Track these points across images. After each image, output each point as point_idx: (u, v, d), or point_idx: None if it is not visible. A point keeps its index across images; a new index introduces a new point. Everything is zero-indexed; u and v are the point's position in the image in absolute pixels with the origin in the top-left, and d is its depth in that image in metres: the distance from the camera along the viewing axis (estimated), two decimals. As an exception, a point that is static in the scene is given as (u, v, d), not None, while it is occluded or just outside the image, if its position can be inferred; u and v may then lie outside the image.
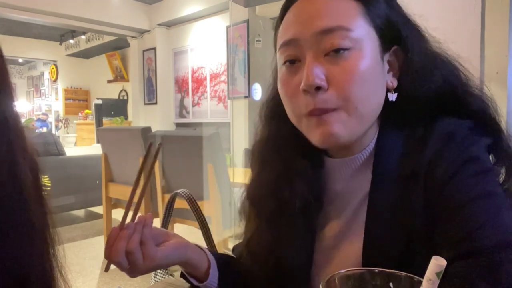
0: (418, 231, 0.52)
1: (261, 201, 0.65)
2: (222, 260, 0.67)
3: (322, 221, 0.62)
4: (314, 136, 0.55)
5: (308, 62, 0.52)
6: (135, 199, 0.60)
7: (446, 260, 0.44)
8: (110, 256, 0.54)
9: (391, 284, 0.34)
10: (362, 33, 0.52)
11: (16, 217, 0.32)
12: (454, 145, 0.52)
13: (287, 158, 0.62)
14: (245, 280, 0.67)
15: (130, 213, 0.59)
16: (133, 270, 0.56)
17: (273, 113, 0.65)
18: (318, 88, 0.51)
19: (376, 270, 0.34)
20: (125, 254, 0.53)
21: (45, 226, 0.37)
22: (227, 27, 5.25)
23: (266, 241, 0.63)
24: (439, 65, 0.57)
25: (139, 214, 0.58)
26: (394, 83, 0.57)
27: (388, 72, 0.57)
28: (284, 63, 0.56)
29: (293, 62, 0.55)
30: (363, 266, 0.56)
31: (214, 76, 6.01)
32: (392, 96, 0.56)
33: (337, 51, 0.51)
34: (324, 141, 0.54)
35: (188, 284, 0.73)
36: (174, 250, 0.58)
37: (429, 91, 0.55)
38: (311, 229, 0.62)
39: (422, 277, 0.49)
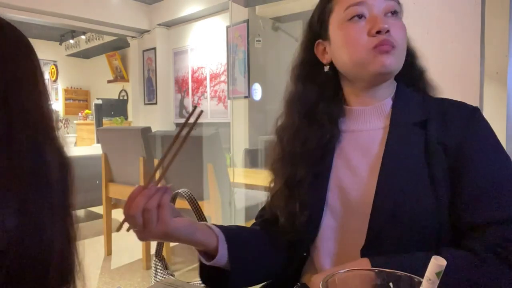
0: (438, 178, 0.64)
1: (284, 130, 0.80)
2: (231, 233, 0.72)
3: (340, 154, 0.76)
4: (377, 63, 0.69)
5: (379, 16, 0.70)
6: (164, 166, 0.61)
7: (484, 222, 0.60)
8: (128, 210, 0.57)
9: (391, 284, 0.34)
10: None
11: (42, 199, 0.33)
12: (477, 122, 0.68)
13: (311, 103, 0.78)
14: (266, 231, 0.80)
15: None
16: (144, 231, 0.58)
17: (302, 75, 0.81)
18: (388, 32, 0.68)
19: (376, 270, 0.34)
20: (142, 211, 0.57)
21: (67, 212, 0.38)
22: (227, 27, 5.26)
23: (283, 158, 0.78)
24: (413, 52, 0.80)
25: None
26: None
27: None
28: (352, 18, 0.71)
29: (360, 17, 0.71)
30: (375, 198, 0.66)
31: (214, 76, 6.01)
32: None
33: (395, 12, 0.71)
34: (383, 66, 0.68)
35: (188, 285, 0.73)
36: (184, 227, 0.63)
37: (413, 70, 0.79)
38: (326, 159, 0.76)
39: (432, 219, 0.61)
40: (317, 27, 0.79)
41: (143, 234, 0.59)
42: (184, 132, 0.61)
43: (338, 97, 0.79)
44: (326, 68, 0.78)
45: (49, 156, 0.34)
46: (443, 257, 0.31)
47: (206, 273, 0.70)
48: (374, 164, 0.70)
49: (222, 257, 0.68)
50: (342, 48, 0.73)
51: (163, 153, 0.61)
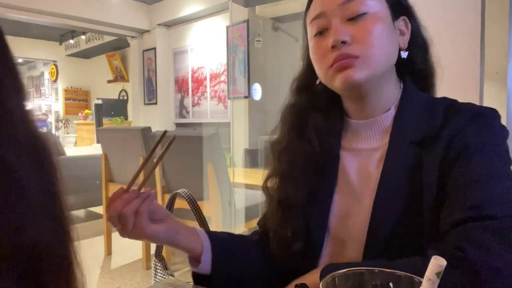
0: (429, 197, 0.58)
1: (276, 145, 0.76)
2: (219, 242, 0.70)
3: (342, 177, 0.70)
4: (337, 81, 0.64)
5: (334, 26, 0.64)
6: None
7: (452, 222, 0.52)
8: (107, 211, 0.59)
9: (391, 284, 0.34)
10: (376, 1, 0.64)
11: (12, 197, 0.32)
12: (479, 126, 0.60)
13: (303, 114, 0.74)
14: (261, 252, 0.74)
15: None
16: (122, 231, 0.60)
17: (299, 86, 0.77)
18: (344, 43, 0.62)
19: (376, 270, 0.34)
20: (118, 215, 0.58)
21: (56, 207, 0.37)
22: (227, 27, 5.25)
23: (278, 184, 0.74)
24: (428, 47, 0.72)
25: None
26: (405, 44, 0.68)
27: (400, 36, 0.68)
28: (315, 34, 0.67)
29: (322, 32, 0.66)
30: (370, 224, 0.62)
31: (214, 76, 6.01)
32: (404, 54, 0.68)
33: (358, 15, 0.63)
34: (345, 83, 0.63)
35: (188, 285, 0.73)
36: (164, 233, 0.63)
37: (425, 67, 0.71)
38: (326, 181, 0.70)
39: (426, 245, 0.52)
40: (304, 39, 0.74)
41: (122, 234, 0.61)
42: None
43: (338, 109, 0.73)
44: (318, 80, 0.72)
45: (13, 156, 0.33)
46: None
47: (195, 274, 0.70)
48: (373, 187, 0.64)
49: (205, 266, 0.67)
50: (314, 64, 0.70)
51: (145, 157, 0.63)
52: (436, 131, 0.61)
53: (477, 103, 0.66)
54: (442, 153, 0.59)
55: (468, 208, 0.52)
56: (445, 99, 0.68)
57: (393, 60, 0.67)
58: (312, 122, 0.72)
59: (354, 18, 0.63)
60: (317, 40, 0.67)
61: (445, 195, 0.57)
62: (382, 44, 0.63)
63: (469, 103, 0.65)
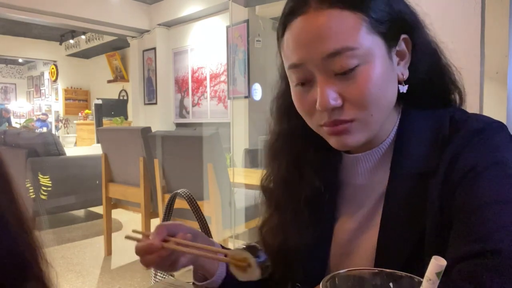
0: (431, 230, 0.52)
1: (272, 189, 0.69)
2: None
3: (341, 215, 0.64)
4: (332, 143, 0.58)
5: (320, 85, 0.53)
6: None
7: (456, 257, 0.46)
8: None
9: (391, 284, 0.34)
10: (368, 46, 0.52)
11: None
12: (481, 145, 0.52)
13: (298, 149, 0.65)
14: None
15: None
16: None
17: (283, 108, 0.66)
18: (333, 108, 0.53)
19: (376, 270, 0.34)
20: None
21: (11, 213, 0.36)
22: (227, 27, 5.26)
23: (273, 228, 0.66)
24: (435, 50, 0.61)
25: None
26: (405, 73, 0.58)
27: (399, 63, 0.58)
28: (296, 85, 0.57)
29: (304, 84, 0.56)
30: (375, 263, 0.57)
31: (214, 76, 6.01)
32: (403, 88, 0.58)
33: (347, 71, 0.52)
34: (341, 148, 0.57)
35: (188, 285, 0.73)
36: (190, 262, 0.63)
37: (434, 73, 0.60)
38: (326, 222, 0.64)
39: None
40: (279, 56, 0.63)
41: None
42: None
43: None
44: None
45: None
46: None
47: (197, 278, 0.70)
48: (375, 224, 0.59)
49: (218, 278, 0.67)
50: (299, 112, 0.60)
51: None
52: (440, 156, 0.54)
53: (477, 103, 0.64)
54: (444, 177, 0.53)
55: (472, 241, 0.46)
56: (449, 112, 0.59)
57: (394, 100, 0.58)
58: (311, 161, 0.64)
59: (343, 73, 0.52)
60: (299, 91, 0.57)
61: (448, 222, 0.51)
62: (381, 95, 0.54)
63: (472, 115, 0.58)
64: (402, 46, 0.57)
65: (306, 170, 0.64)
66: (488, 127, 0.54)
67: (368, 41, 0.52)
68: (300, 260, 0.64)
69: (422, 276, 0.52)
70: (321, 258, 0.64)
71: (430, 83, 0.59)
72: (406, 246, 0.54)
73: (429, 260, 0.51)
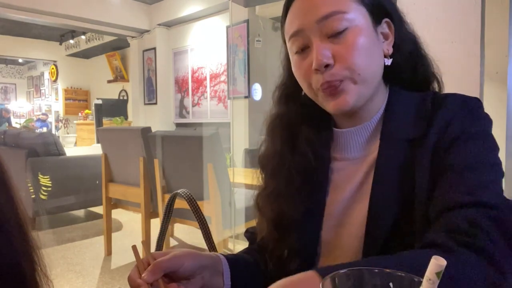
0: (421, 191, 0.57)
1: (267, 160, 0.74)
2: (234, 262, 0.68)
3: (334, 188, 0.68)
4: (329, 106, 0.63)
5: (315, 46, 0.61)
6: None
7: (448, 205, 0.52)
8: None
9: (391, 284, 0.34)
10: (355, 13, 0.61)
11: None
12: (468, 114, 0.60)
13: (293, 126, 0.71)
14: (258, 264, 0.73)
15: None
16: None
17: (284, 95, 0.74)
18: (327, 66, 0.60)
19: (376, 270, 0.34)
20: None
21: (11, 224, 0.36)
22: (227, 27, 5.26)
23: (268, 195, 0.71)
24: (415, 38, 0.69)
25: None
26: (389, 50, 0.66)
27: (384, 42, 0.65)
28: (296, 52, 0.65)
29: (303, 50, 0.63)
30: (366, 228, 0.61)
31: (214, 76, 6.01)
32: (388, 61, 0.65)
33: (338, 32, 0.60)
34: (338, 109, 0.62)
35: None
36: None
37: (417, 58, 0.68)
38: (319, 195, 0.68)
39: (419, 243, 0.51)
40: (283, 46, 0.71)
41: None
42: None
43: (326, 119, 0.71)
44: (303, 92, 0.69)
45: None
46: None
47: None
48: (366, 194, 0.63)
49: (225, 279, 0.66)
50: (299, 81, 0.67)
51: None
52: (426, 125, 0.60)
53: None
54: (433, 146, 0.58)
55: (465, 193, 0.52)
56: (430, 93, 0.66)
57: (380, 70, 0.65)
58: (304, 135, 0.70)
59: (334, 35, 0.60)
60: (298, 58, 0.64)
61: (436, 182, 0.56)
62: (367, 58, 0.61)
63: (451, 93, 0.64)
64: (385, 28, 0.65)
65: (299, 142, 0.70)
66: (469, 100, 0.62)
67: (356, 10, 0.61)
68: (294, 230, 0.67)
69: (411, 235, 0.56)
70: (314, 229, 0.67)
71: (413, 67, 0.68)
72: (396, 208, 0.59)
73: (420, 220, 0.56)
